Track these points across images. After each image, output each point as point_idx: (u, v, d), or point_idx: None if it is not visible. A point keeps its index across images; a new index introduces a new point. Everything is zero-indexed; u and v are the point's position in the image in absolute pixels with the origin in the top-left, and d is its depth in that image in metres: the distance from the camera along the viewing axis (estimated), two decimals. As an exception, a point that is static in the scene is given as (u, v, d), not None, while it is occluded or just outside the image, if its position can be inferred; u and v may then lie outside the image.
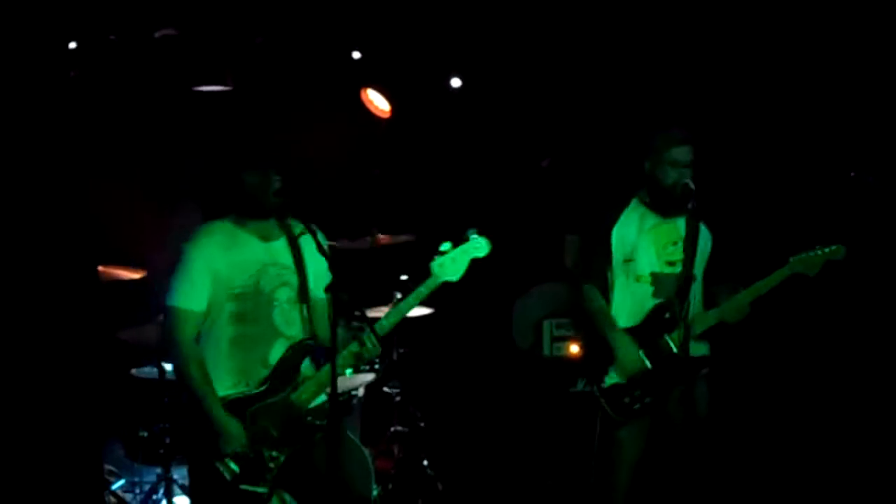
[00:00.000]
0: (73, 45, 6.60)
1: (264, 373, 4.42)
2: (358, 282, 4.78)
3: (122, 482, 6.48)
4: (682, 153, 4.99)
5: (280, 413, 4.41)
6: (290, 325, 4.49)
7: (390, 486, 6.26)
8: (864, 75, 6.46)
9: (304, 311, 4.52)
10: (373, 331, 4.33)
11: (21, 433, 5.32)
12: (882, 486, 5.97)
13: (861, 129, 6.46)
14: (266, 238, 4.50)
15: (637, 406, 5.03)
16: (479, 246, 4.42)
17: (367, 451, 5.77)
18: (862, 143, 6.36)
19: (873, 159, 5.92)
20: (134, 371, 6.18)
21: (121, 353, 6.27)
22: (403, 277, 6.35)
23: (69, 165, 6.19)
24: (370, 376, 6.31)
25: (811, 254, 4.99)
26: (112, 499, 6.19)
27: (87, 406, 5.82)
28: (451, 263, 4.40)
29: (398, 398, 6.66)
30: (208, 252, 4.41)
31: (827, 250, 4.99)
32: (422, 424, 6.73)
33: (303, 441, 4.45)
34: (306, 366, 4.51)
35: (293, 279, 4.50)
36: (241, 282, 4.41)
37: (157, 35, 6.91)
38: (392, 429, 6.61)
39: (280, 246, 4.52)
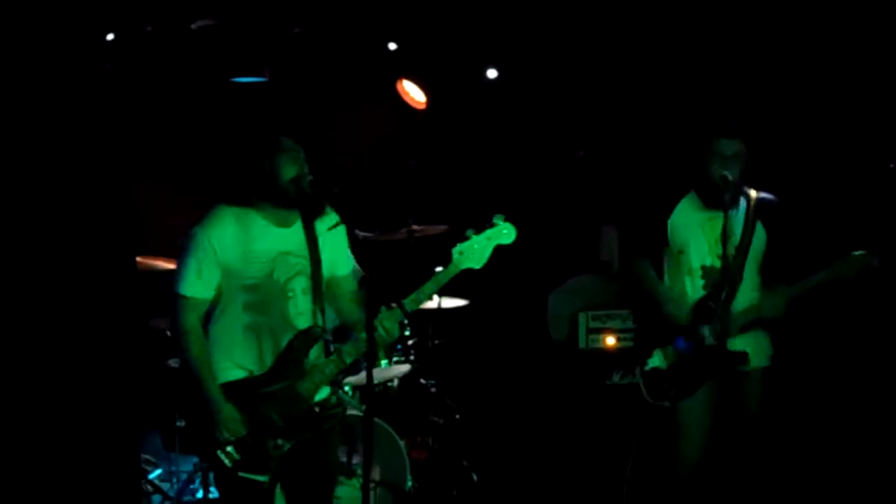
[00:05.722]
0: (110, 36, 6.63)
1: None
2: (392, 273, 4.75)
3: (159, 471, 6.54)
4: (727, 146, 4.94)
5: (285, 401, 4.24)
6: (302, 316, 4.32)
7: (425, 477, 6.27)
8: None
9: (318, 302, 4.35)
10: (404, 312, 4.24)
11: (60, 423, 5.35)
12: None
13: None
14: (281, 224, 4.30)
15: (672, 392, 5.09)
16: (505, 232, 4.23)
17: (402, 443, 5.77)
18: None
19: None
20: (171, 361, 6.20)
21: (158, 343, 6.30)
22: (438, 269, 6.33)
23: (106, 156, 6.21)
24: (406, 367, 6.31)
25: (852, 257, 4.90)
26: (149, 488, 6.23)
27: (125, 396, 5.85)
28: (474, 250, 4.23)
29: (433, 389, 6.65)
30: (220, 239, 4.20)
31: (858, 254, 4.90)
32: (457, 416, 6.73)
33: (308, 432, 4.31)
34: (316, 355, 4.35)
35: (307, 268, 4.32)
36: (254, 271, 4.22)
37: (194, 26, 6.93)
38: (427, 420, 6.61)
39: (296, 233, 4.33)
